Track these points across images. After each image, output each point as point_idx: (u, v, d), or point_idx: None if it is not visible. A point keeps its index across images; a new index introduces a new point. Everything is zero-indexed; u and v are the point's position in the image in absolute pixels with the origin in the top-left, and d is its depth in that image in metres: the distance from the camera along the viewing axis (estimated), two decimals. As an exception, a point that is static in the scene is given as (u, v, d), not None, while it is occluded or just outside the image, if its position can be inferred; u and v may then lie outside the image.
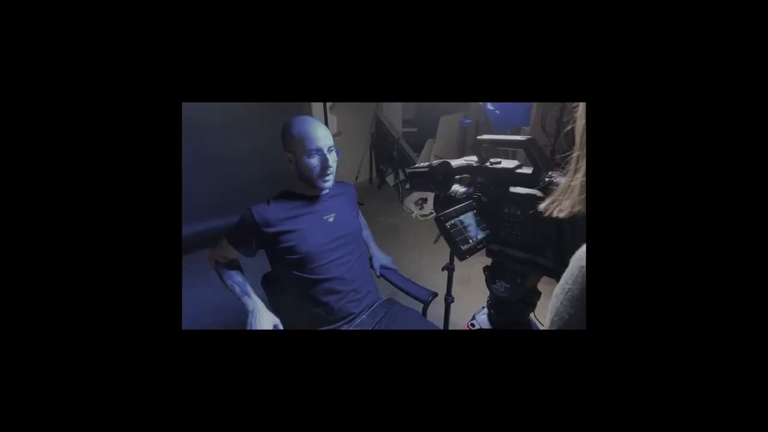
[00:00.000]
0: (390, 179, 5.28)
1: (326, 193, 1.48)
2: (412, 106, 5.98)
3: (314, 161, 1.34)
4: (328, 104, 4.00)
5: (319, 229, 1.40)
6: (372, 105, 5.03)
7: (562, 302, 0.49)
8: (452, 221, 0.64)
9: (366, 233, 1.75)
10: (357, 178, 5.21)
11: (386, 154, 5.08)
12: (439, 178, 0.67)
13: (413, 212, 4.33)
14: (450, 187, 0.70)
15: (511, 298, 0.71)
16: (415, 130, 5.63)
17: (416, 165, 0.71)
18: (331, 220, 1.45)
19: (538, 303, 0.74)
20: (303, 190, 1.43)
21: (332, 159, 1.37)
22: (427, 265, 3.25)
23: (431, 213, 4.20)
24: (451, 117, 4.44)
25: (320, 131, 1.35)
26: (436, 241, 3.56)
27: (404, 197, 4.57)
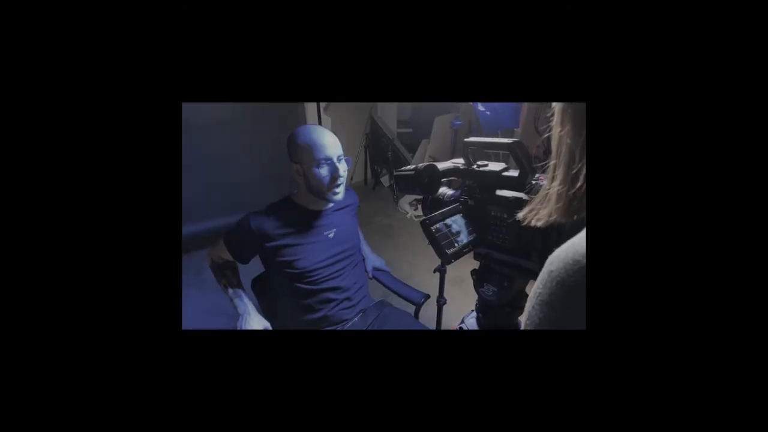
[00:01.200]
0: (385, 180, 5.31)
1: (330, 207, 1.45)
2: (408, 107, 6.02)
3: (324, 171, 1.29)
4: (322, 104, 4.00)
5: (318, 246, 1.37)
6: (367, 105, 5.07)
7: (533, 306, 0.50)
8: (437, 225, 0.65)
9: (365, 249, 1.74)
10: (351, 179, 5.23)
11: (381, 154, 5.12)
12: (425, 182, 0.67)
13: (408, 213, 4.35)
14: (437, 190, 0.70)
15: (498, 302, 0.71)
16: (410, 130, 5.67)
17: (403, 168, 0.71)
18: (331, 236, 1.42)
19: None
20: (309, 203, 1.39)
21: (342, 168, 1.32)
22: (420, 266, 3.28)
23: (426, 214, 4.21)
24: (446, 117, 4.47)
25: (328, 138, 1.30)
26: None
27: (399, 198, 4.60)
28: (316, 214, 1.41)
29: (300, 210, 1.40)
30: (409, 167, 0.68)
